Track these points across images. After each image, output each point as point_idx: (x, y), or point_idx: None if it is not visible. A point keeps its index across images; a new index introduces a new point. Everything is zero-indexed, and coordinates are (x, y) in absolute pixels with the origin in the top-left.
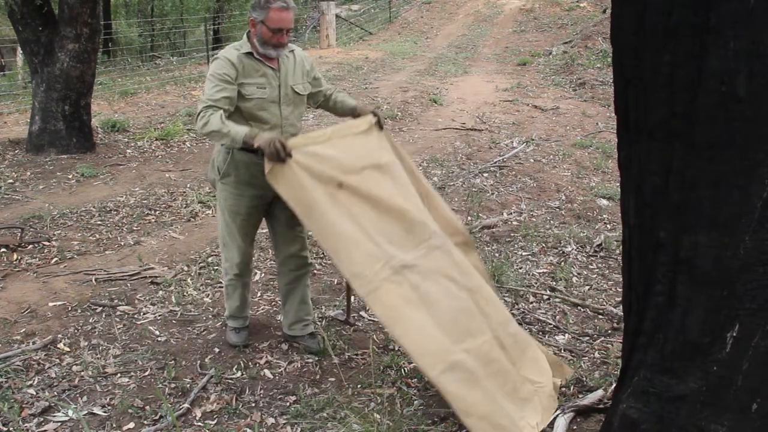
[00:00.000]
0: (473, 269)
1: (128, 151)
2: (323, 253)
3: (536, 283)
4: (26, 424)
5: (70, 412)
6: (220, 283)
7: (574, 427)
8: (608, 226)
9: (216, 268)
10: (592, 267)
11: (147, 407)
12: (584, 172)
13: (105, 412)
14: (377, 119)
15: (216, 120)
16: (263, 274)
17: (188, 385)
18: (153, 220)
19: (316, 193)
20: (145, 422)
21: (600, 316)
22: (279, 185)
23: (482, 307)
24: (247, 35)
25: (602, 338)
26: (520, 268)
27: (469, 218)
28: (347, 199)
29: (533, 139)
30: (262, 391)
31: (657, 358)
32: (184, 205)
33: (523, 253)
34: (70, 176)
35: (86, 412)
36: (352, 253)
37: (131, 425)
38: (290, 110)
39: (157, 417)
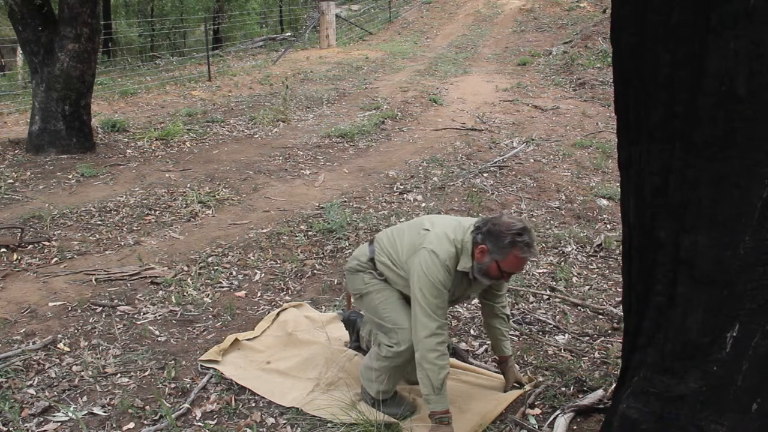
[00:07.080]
0: None
1: (128, 151)
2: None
3: (536, 283)
4: (26, 424)
5: (70, 412)
6: (220, 283)
7: (574, 427)
8: (608, 226)
9: (216, 268)
10: (592, 267)
11: (147, 407)
12: (584, 172)
13: (105, 412)
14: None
15: (446, 365)
16: (263, 274)
17: (188, 385)
18: (153, 220)
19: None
20: (145, 422)
21: (600, 316)
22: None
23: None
24: (471, 252)
25: (602, 338)
26: None
27: None
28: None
29: (533, 139)
30: None
31: (657, 358)
32: (184, 205)
33: None
34: (70, 176)
35: (86, 412)
36: (286, 394)
37: (131, 425)
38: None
39: (157, 417)
